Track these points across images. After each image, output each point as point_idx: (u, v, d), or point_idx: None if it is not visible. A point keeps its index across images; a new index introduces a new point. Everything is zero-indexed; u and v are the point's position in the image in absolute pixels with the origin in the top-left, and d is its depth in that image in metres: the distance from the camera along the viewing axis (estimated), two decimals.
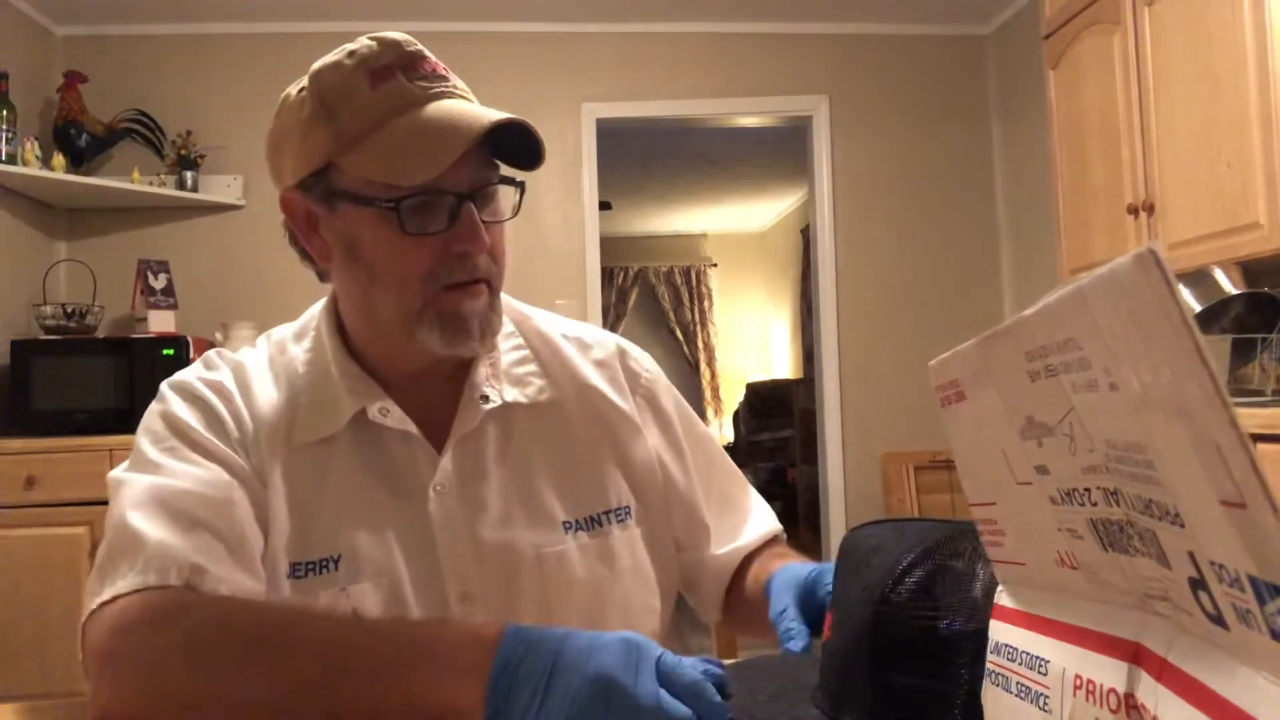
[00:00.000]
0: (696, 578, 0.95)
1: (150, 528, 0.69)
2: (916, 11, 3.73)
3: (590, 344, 0.93)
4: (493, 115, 0.73)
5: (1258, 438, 1.69)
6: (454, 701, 0.55)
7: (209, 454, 0.76)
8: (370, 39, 0.77)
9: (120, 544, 0.69)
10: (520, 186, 0.80)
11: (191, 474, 0.74)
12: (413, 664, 0.57)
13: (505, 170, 0.80)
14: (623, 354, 0.95)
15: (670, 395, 0.97)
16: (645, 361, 0.97)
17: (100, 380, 2.96)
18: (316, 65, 0.77)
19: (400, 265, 0.75)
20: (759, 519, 0.97)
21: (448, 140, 0.72)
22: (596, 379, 0.90)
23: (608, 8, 3.64)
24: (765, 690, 0.62)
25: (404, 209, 0.73)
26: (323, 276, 0.84)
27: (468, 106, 0.76)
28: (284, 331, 0.88)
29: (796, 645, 0.70)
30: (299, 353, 0.85)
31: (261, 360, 0.86)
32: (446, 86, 0.77)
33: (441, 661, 0.57)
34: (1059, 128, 2.94)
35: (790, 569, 0.80)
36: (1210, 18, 2.23)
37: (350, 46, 0.77)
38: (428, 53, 0.78)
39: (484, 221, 0.76)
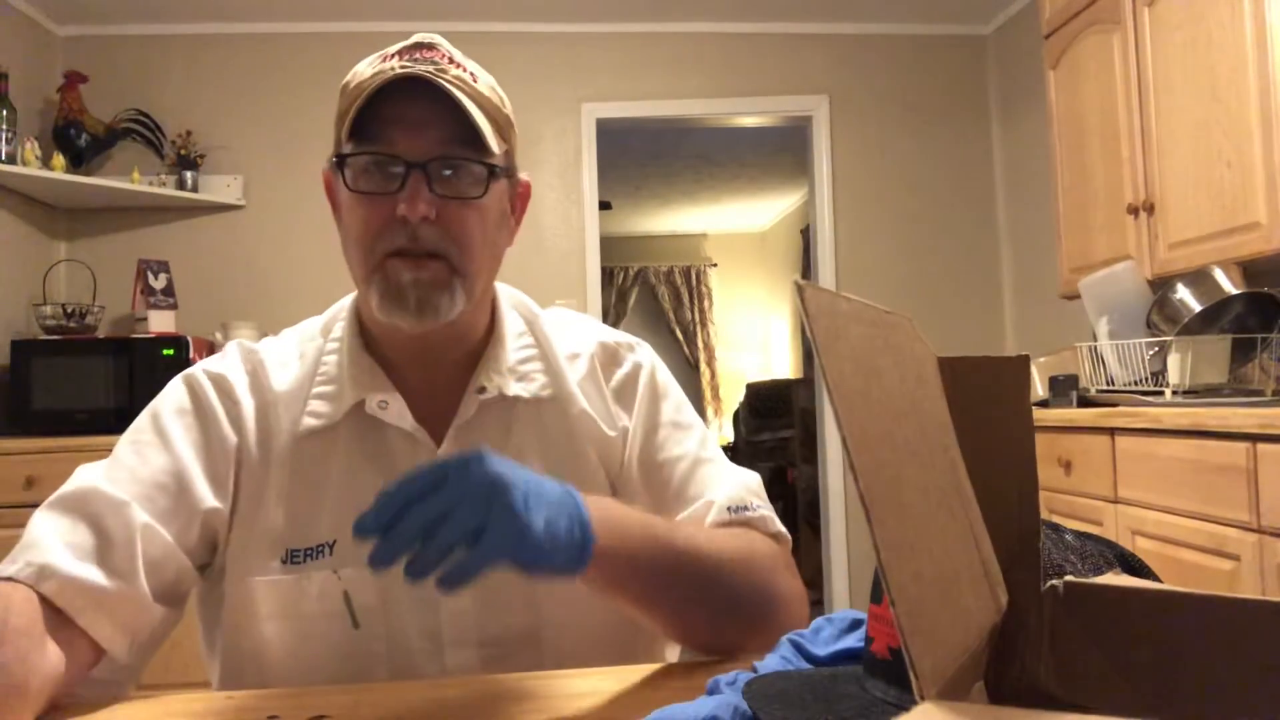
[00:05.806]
0: None
1: (46, 522, 0.71)
2: (916, 11, 3.73)
3: (579, 351, 0.91)
4: (410, 73, 0.74)
5: (1257, 438, 1.69)
6: None
7: (171, 455, 0.78)
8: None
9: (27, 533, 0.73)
10: (491, 169, 0.78)
11: (131, 469, 0.76)
12: None
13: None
14: (604, 350, 0.92)
15: (650, 387, 0.92)
16: (629, 357, 0.93)
17: (100, 380, 2.96)
18: None
19: (351, 222, 0.78)
20: (717, 490, 0.86)
21: (360, 98, 0.74)
22: (584, 380, 0.89)
23: (608, 8, 3.64)
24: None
25: (348, 165, 0.76)
26: None
27: (408, 73, 0.74)
28: (313, 324, 0.90)
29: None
30: (325, 343, 0.87)
31: (286, 347, 0.88)
32: (426, 69, 0.75)
33: None
34: (1059, 128, 2.94)
35: None
36: (1210, 18, 2.23)
37: None
38: (440, 45, 0.80)
39: (442, 196, 0.76)
